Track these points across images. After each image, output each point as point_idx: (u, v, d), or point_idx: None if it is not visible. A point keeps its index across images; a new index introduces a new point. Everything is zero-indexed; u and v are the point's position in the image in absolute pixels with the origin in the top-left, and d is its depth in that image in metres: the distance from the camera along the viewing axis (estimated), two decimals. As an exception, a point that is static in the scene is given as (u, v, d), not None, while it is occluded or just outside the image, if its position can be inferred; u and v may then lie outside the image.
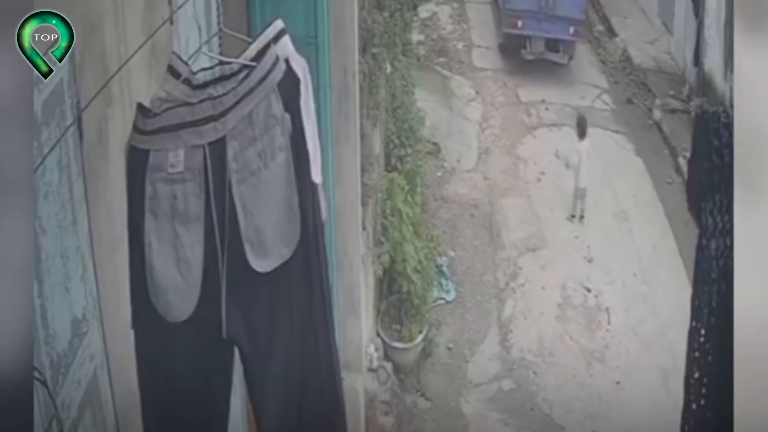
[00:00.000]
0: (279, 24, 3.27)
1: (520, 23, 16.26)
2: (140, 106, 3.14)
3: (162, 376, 3.36)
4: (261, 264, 3.20)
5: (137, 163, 3.13)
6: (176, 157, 3.09)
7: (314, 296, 3.34)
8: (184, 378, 3.35)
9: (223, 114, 3.09)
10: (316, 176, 3.29)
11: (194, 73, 3.27)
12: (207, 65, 3.50)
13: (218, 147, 3.10)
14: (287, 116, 3.15)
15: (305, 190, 3.23)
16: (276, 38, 3.24)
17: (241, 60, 3.26)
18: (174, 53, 3.47)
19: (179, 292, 3.19)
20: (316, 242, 3.31)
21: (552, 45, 16.42)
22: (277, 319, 3.31)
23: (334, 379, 3.50)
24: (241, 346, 3.31)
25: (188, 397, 3.39)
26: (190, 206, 3.13)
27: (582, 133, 13.05)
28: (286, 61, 3.20)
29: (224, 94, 3.13)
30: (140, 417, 3.53)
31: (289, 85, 3.16)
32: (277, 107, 3.13)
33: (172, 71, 3.25)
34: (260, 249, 3.19)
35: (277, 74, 3.14)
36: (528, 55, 16.49)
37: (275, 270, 3.23)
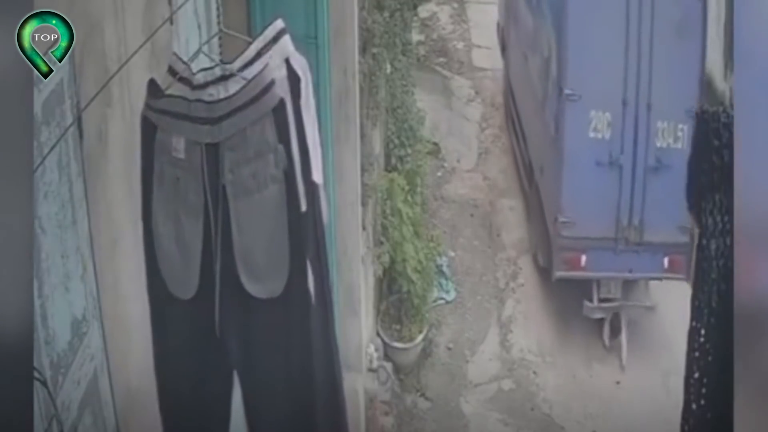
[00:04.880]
0: (279, 24, 3.27)
1: (584, 260, 9.75)
2: (152, 82, 3.17)
3: (169, 354, 3.40)
4: (254, 288, 3.21)
5: (148, 134, 3.20)
6: (179, 143, 3.14)
7: (313, 319, 3.34)
8: (186, 364, 3.38)
9: (219, 120, 3.10)
10: (317, 176, 3.29)
11: (194, 74, 3.28)
12: (208, 65, 3.50)
13: (214, 151, 3.12)
14: (281, 147, 3.13)
15: (298, 226, 3.21)
16: (275, 39, 3.24)
17: (240, 62, 3.26)
18: (174, 54, 3.47)
19: (180, 271, 3.22)
20: (320, 267, 3.31)
21: (633, 291, 10.14)
22: (274, 340, 3.32)
23: (335, 381, 3.51)
24: (237, 367, 3.34)
25: (190, 386, 3.42)
26: (189, 196, 3.16)
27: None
28: (287, 60, 3.21)
29: (218, 101, 3.15)
30: (141, 416, 3.55)
31: (284, 114, 3.14)
32: (271, 134, 3.12)
33: (171, 71, 3.27)
34: (252, 272, 3.20)
35: (272, 99, 3.11)
36: (596, 312, 9.98)
37: (270, 299, 3.24)
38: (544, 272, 10.68)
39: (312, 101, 3.29)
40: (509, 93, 13.28)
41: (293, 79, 3.19)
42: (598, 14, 9.28)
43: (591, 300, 9.91)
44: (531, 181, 11.39)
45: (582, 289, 10.01)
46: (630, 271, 9.82)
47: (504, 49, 14.09)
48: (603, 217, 9.59)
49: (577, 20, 9.32)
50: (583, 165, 9.48)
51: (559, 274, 9.95)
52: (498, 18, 14.85)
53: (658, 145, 9.39)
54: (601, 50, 9.29)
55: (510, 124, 13.27)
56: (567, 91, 9.42)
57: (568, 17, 9.39)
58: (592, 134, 9.44)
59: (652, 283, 10.18)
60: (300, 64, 3.24)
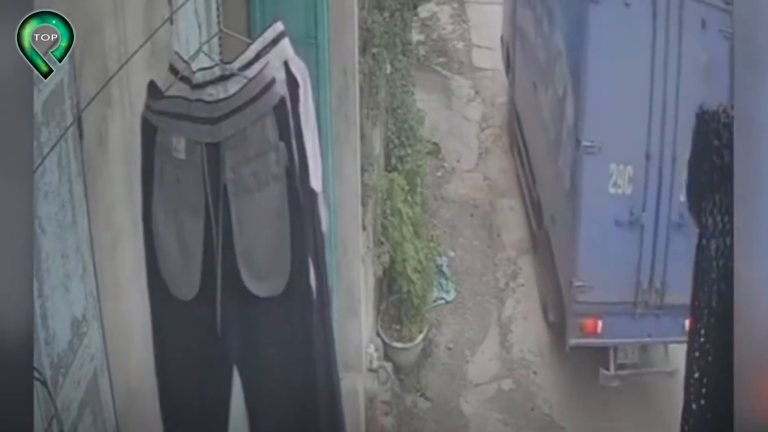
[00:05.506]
0: (279, 26, 3.26)
1: (600, 325, 8.91)
2: (151, 83, 3.18)
3: (169, 354, 3.40)
4: (255, 287, 3.22)
5: (148, 135, 3.21)
6: (179, 143, 3.14)
7: (313, 319, 3.34)
8: (186, 365, 3.38)
9: (218, 120, 3.10)
10: (317, 185, 3.28)
11: (194, 72, 3.28)
12: (207, 65, 3.50)
13: (215, 151, 3.12)
14: (282, 145, 3.13)
15: (300, 224, 3.21)
16: (275, 41, 3.23)
17: (239, 62, 3.26)
18: (176, 53, 3.47)
19: (180, 271, 3.22)
20: (318, 269, 3.31)
21: (651, 355, 9.58)
22: (276, 338, 3.33)
23: (332, 382, 3.51)
24: (238, 365, 3.34)
25: (190, 386, 3.42)
26: (190, 196, 3.16)
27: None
28: (285, 63, 3.20)
29: (218, 101, 3.15)
30: (141, 416, 3.54)
31: (285, 111, 3.14)
32: (272, 132, 3.12)
33: (172, 69, 3.27)
34: (254, 270, 3.20)
35: (272, 98, 3.10)
36: (613, 381, 9.22)
37: (271, 297, 3.24)
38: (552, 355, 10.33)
39: (311, 107, 3.28)
40: (515, 119, 12.50)
41: (292, 84, 3.18)
42: (620, 58, 8.28)
43: (608, 368, 9.15)
44: (540, 223, 10.63)
45: (601, 360, 9.32)
46: (649, 336, 9.02)
47: (508, 66, 13.23)
48: (622, 281, 8.72)
49: (596, 64, 8.32)
50: (602, 224, 8.57)
51: (573, 341, 9.08)
52: (502, 31, 14.29)
53: (682, 199, 7.92)
54: (623, 98, 8.33)
55: (515, 152, 12.53)
56: (585, 143, 8.47)
57: (587, 59, 8.40)
58: (612, 190, 8.52)
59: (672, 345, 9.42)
60: (299, 69, 3.23)
